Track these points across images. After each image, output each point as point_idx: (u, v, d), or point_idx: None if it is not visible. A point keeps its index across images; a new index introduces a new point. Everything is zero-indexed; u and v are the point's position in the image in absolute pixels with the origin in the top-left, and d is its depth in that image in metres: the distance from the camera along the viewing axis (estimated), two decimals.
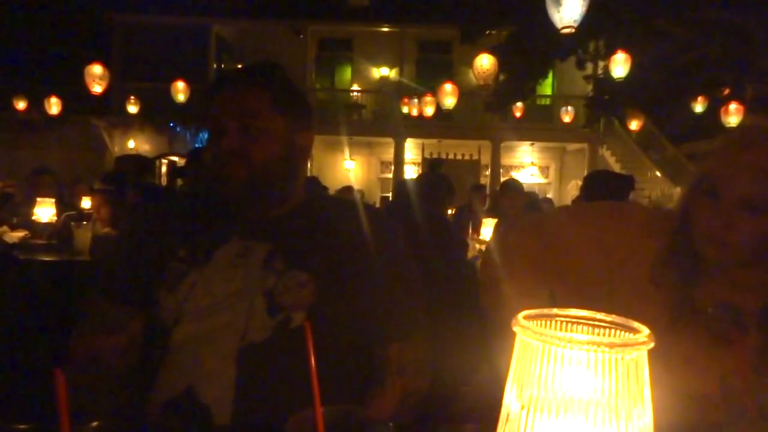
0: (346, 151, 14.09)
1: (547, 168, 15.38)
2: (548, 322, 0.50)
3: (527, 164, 15.20)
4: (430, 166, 5.16)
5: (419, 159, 14.18)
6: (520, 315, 0.48)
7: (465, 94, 10.48)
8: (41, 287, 3.18)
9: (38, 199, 3.59)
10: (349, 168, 14.38)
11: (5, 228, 3.65)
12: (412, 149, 14.31)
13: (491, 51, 7.67)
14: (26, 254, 3.42)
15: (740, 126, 7.15)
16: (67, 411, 0.48)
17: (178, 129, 13.14)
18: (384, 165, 15.21)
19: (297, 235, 1.01)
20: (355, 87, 14.94)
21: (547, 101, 14.56)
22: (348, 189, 6.82)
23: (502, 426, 0.47)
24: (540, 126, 13.66)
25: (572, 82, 12.23)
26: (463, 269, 2.39)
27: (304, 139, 1.04)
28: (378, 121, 14.00)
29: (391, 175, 14.37)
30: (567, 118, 11.51)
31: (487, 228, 3.77)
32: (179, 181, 5.10)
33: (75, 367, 0.95)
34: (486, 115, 12.39)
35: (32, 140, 12.24)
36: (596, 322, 0.50)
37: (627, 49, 7.06)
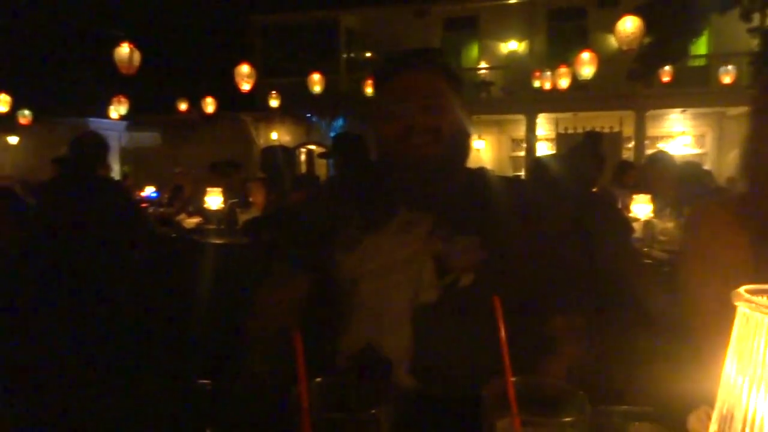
0: (475, 130, 13.90)
1: (703, 137, 13.80)
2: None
3: (677, 134, 13.76)
4: (589, 139, 4.89)
5: (553, 135, 13.52)
6: (742, 289, 0.47)
7: (603, 62, 9.75)
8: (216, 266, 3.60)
9: (208, 189, 4.06)
10: (478, 148, 14.16)
11: (183, 215, 4.19)
12: (544, 125, 13.68)
13: (636, 12, 7.02)
14: (201, 238, 3.90)
15: None
16: (305, 370, 0.56)
17: (314, 119, 13.92)
18: (515, 143, 14.75)
19: (461, 205, 1.07)
20: (483, 64, 14.59)
21: (702, 62, 12.99)
22: (480, 170, 6.73)
23: (723, 402, 0.47)
24: (693, 90, 12.25)
25: (733, 38, 10.76)
26: (630, 250, 2.26)
27: (469, 116, 1.12)
28: (507, 97, 13.57)
29: (522, 153, 13.89)
30: (727, 79, 10.20)
31: (639, 205, 3.51)
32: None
33: (256, 316, 1.10)
34: (628, 83, 11.40)
35: (193, 137, 13.76)
36: None
37: None
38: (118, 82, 9.66)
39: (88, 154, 2.60)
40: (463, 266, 1.00)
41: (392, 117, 1.05)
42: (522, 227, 1.06)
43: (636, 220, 3.32)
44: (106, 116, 13.08)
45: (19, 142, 14.69)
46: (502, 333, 0.67)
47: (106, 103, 12.35)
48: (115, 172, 12.75)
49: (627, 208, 3.52)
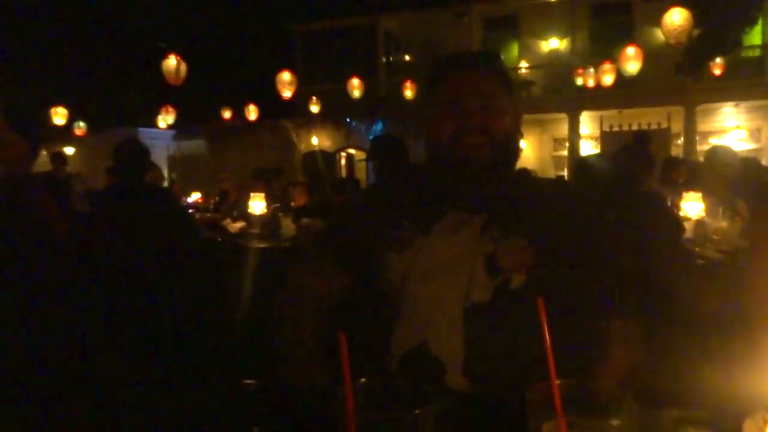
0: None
1: (758, 131, 13.13)
2: None
3: (731, 128, 13.15)
4: (639, 138, 4.77)
5: (597, 133, 13.16)
6: None
7: (650, 57, 9.43)
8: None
9: (251, 194, 4.16)
10: (520, 147, 13.92)
11: (228, 220, 4.31)
12: (588, 123, 13.34)
13: (683, 3, 6.77)
14: (245, 242, 4.00)
15: None
16: (349, 367, 0.57)
17: (353, 124, 14.04)
18: (557, 142, 14.44)
19: (510, 207, 1.06)
20: (524, 63, 14.37)
21: (756, 52, 12.38)
22: (522, 171, 6.63)
23: None
24: (747, 82, 11.69)
25: None
26: (680, 250, 2.19)
27: (520, 118, 1.12)
28: (549, 96, 13.31)
29: (565, 153, 13.59)
30: None
31: (689, 203, 3.38)
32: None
33: (284, 295, 1.12)
34: (676, 78, 10.98)
35: (236, 144, 14.12)
36: None
37: None
38: (165, 93, 10.02)
39: (132, 163, 2.70)
40: (515, 267, 1.00)
41: (446, 117, 1.05)
42: (571, 228, 1.05)
43: (687, 219, 3.20)
44: (154, 126, 13.59)
45: (75, 152, 15.43)
46: (547, 335, 0.66)
47: (155, 113, 12.85)
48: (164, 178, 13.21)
49: (677, 206, 3.40)
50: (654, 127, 12.05)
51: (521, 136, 1.13)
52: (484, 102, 1.04)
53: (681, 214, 3.26)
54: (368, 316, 1.09)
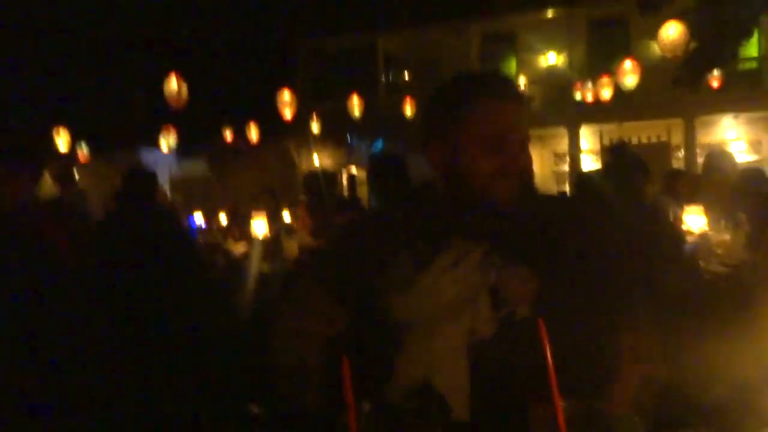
0: None
1: (759, 142, 13.16)
2: None
3: (731, 140, 13.18)
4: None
5: (598, 147, 13.20)
6: None
7: (647, 70, 9.50)
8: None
9: (254, 215, 4.16)
10: None
11: (230, 242, 4.31)
12: (588, 137, 13.39)
13: (679, 18, 6.84)
14: (246, 264, 3.99)
15: None
16: (353, 393, 0.57)
17: (355, 142, 14.11)
18: (558, 157, 14.47)
19: (513, 232, 1.04)
20: (522, 79, 14.49)
21: (753, 64, 12.47)
22: None
23: None
24: (745, 94, 11.73)
25: None
26: (683, 262, 2.18)
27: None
28: (548, 110, 13.38)
29: (566, 168, 13.61)
30: None
31: (692, 216, 3.37)
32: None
33: (279, 339, 1.05)
34: (674, 90, 11.04)
35: (238, 164, 14.18)
36: None
37: None
38: (166, 114, 10.10)
39: (140, 188, 2.73)
40: (519, 297, 0.98)
41: (483, 155, 1.01)
42: (575, 248, 1.03)
43: (690, 233, 3.19)
44: (156, 147, 13.66)
45: (78, 177, 15.50)
46: (549, 357, 0.66)
47: (156, 135, 12.92)
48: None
49: (679, 219, 3.39)
50: (654, 140, 12.10)
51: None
52: (524, 143, 1.03)
53: (683, 227, 3.25)
54: (369, 349, 1.05)
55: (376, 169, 3.12)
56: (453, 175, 1.06)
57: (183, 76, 7.68)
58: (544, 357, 0.67)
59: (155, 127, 12.77)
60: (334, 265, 1.15)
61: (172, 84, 7.56)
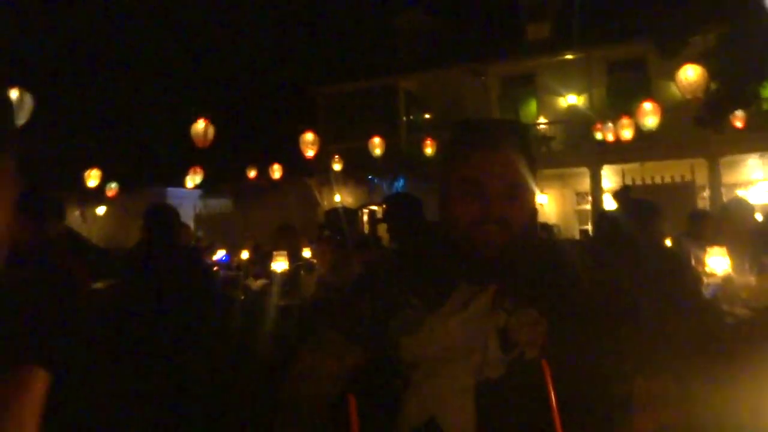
0: (537, 185, 13.69)
1: None
2: None
3: (757, 180, 12.97)
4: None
5: (620, 186, 13.10)
6: None
7: (668, 111, 9.51)
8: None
9: (274, 252, 4.22)
10: (541, 203, 13.93)
11: (251, 278, 4.36)
12: (610, 177, 13.32)
13: (697, 60, 6.88)
14: (267, 299, 4.04)
15: None
16: (359, 429, 0.58)
17: (375, 181, 14.28)
18: (580, 196, 14.39)
19: (521, 275, 1.05)
20: (542, 120, 14.59)
21: None
22: (543, 227, 6.59)
23: None
24: None
25: None
26: (702, 304, 2.14)
27: (536, 192, 1.10)
28: (569, 150, 13.40)
29: (588, 207, 13.51)
30: None
31: (714, 258, 3.31)
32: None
33: (293, 381, 1.07)
34: (698, 130, 11.00)
35: (261, 202, 14.44)
36: None
37: None
38: (193, 154, 10.41)
39: (162, 224, 2.79)
40: (529, 340, 0.97)
41: (465, 200, 1.03)
42: (586, 292, 1.03)
43: (713, 275, 3.13)
44: (182, 185, 14.04)
45: (106, 212, 15.93)
46: (553, 399, 0.66)
47: (183, 173, 13.30)
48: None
49: (701, 262, 3.33)
50: (678, 179, 11.96)
51: (537, 210, 1.13)
52: (507, 190, 1.01)
53: (706, 269, 3.19)
54: (378, 386, 1.07)
55: (390, 208, 3.14)
56: (443, 220, 1.09)
57: (209, 118, 7.96)
58: (549, 399, 0.68)
59: (182, 167, 13.16)
60: (349, 307, 1.19)
61: (200, 126, 7.83)
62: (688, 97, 6.86)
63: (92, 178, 12.21)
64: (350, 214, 14.20)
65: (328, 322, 1.18)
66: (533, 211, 1.08)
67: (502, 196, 1.02)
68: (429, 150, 12.16)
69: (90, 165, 12.21)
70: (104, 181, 12.80)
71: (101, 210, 15.99)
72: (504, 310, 1.01)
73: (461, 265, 1.07)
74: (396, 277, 1.12)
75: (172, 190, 15.19)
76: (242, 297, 4.41)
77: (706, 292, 2.83)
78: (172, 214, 2.89)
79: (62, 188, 11.07)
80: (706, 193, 12.30)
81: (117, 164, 14.12)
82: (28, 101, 6.29)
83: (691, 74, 6.67)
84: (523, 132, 1.09)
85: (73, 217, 15.56)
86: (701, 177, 12.17)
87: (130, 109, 18.94)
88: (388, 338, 1.06)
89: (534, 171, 1.07)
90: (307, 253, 5.07)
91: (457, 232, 1.05)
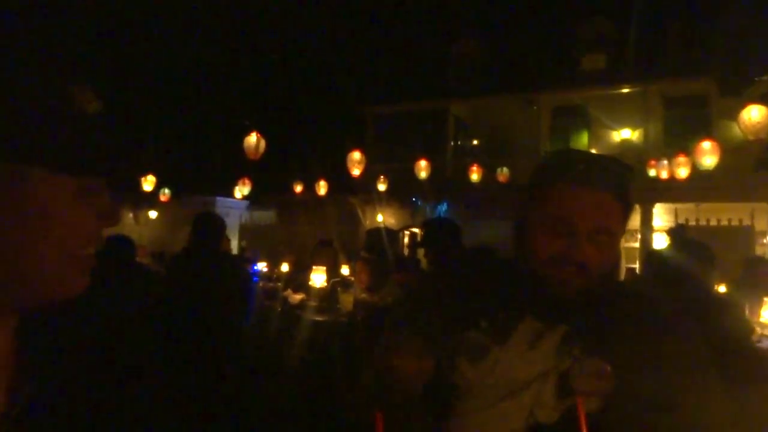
0: None
1: None
2: None
3: None
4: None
5: (672, 226, 12.62)
6: None
7: (728, 151, 9.14)
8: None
9: (314, 267, 4.27)
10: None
11: (289, 291, 4.42)
12: (662, 215, 12.86)
13: (761, 100, 6.63)
14: (303, 313, 4.08)
15: None
16: None
17: (419, 203, 14.28)
18: (628, 233, 13.83)
19: (593, 320, 0.98)
20: (593, 152, 14.29)
21: None
22: None
23: None
24: None
25: None
26: (750, 352, 2.03)
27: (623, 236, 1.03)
28: None
29: (636, 244, 13.06)
30: None
31: None
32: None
33: (370, 374, 0.98)
34: (759, 173, 10.52)
35: (305, 217, 14.67)
36: None
37: None
38: (243, 166, 10.73)
39: (208, 231, 2.89)
40: (588, 391, 0.90)
41: (544, 237, 0.97)
42: (655, 346, 0.95)
43: (767, 326, 2.96)
44: (231, 195, 14.46)
45: (158, 216, 16.56)
46: None
47: (232, 184, 13.71)
48: (233, 246, 13.87)
49: (755, 312, 3.16)
50: (735, 223, 11.43)
51: (620, 257, 1.05)
52: (594, 233, 0.94)
53: (760, 320, 3.03)
54: (420, 411, 1.00)
55: (428, 233, 3.13)
56: (520, 254, 1.03)
57: (262, 132, 8.20)
58: None
59: (232, 177, 13.57)
60: (427, 312, 1.09)
61: (252, 138, 8.07)
62: (751, 138, 6.59)
63: (148, 183, 12.76)
64: (391, 235, 14.18)
65: (407, 322, 1.09)
66: (617, 257, 1.00)
67: (589, 238, 0.94)
68: (474, 176, 12.09)
69: (147, 171, 12.76)
70: (158, 186, 13.33)
71: (153, 214, 16.63)
72: (571, 355, 0.96)
73: (530, 299, 1.01)
74: (461, 298, 1.07)
75: (221, 200, 15.66)
76: (279, 309, 4.47)
77: (759, 345, 2.67)
78: (220, 222, 2.98)
79: (118, 190, 11.57)
80: (766, 240, 11.69)
81: (172, 171, 14.69)
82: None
83: (755, 115, 6.41)
84: (624, 172, 1.01)
85: (127, 219, 16.26)
86: (761, 222, 11.59)
87: (188, 120, 19.80)
88: (445, 357, 1.01)
89: (628, 215, 1.00)
90: (345, 270, 5.10)
91: (533, 267, 0.98)
